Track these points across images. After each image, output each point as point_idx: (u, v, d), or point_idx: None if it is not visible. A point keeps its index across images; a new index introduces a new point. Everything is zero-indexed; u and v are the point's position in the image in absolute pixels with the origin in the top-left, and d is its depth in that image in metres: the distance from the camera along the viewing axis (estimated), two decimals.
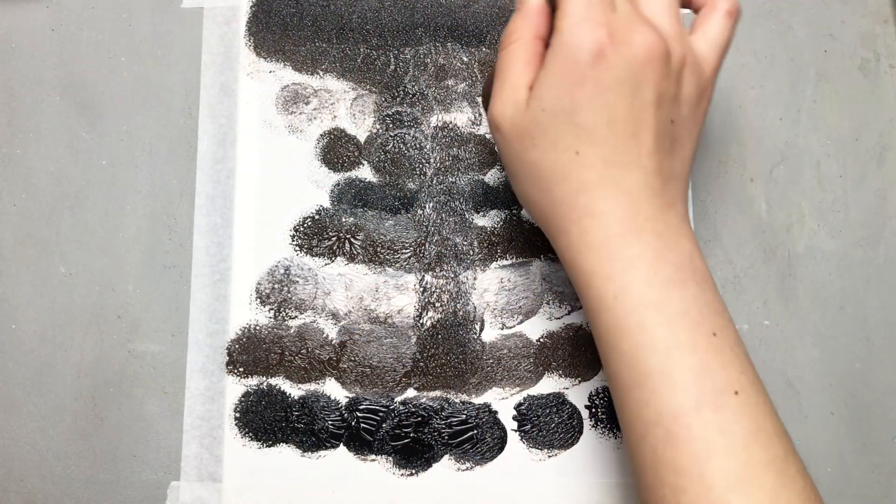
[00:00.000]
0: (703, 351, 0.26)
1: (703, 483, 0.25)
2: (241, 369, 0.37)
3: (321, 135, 0.39)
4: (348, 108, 0.40)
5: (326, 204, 0.39)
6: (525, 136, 0.28)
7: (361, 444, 0.37)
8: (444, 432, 0.37)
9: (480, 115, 0.39)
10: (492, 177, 0.39)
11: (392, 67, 0.40)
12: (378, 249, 0.38)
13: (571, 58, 0.26)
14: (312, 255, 0.38)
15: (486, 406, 0.37)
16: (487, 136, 0.39)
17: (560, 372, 0.38)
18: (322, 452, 0.37)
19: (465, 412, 0.37)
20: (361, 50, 0.40)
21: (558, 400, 0.37)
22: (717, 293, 0.28)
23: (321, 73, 0.40)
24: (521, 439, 0.37)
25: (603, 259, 0.27)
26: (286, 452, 0.37)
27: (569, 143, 0.27)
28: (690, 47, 0.28)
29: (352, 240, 0.38)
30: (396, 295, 0.38)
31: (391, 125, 0.39)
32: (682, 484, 0.25)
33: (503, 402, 0.37)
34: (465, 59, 0.40)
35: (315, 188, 0.39)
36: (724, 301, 0.28)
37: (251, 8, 0.40)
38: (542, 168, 0.28)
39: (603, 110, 0.27)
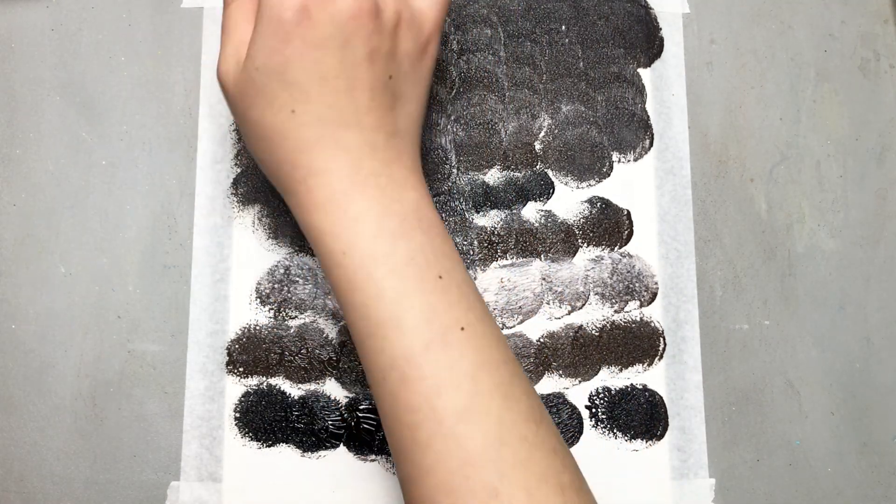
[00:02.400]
0: (429, 293, 0.27)
1: (436, 417, 0.26)
2: (241, 369, 0.37)
3: None
4: None
5: None
6: (245, 95, 0.28)
7: (361, 444, 0.37)
8: None
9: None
10: (492, 177, 0.39)
11: None
12: None
13: (276, 16, 0.26)
14: (312, 255, 0.38)
15: None
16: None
17: (560, 372, 0.38)
18: (322, 452, 0.37)
19: None
20: None
21: (558, 400, 0.37)
22: (447, 238, 0.29)
23: None
24: None
25: (330, 217, 0.28)
26: (286, 452, 0.37)
27: (284, 102, 0.27)
28: (407, 4, 0.29)
29: None
30: None
31: None
32: (416, 421, 0.26)
33: None
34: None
35: None
36: (454, 246, 0.29)
37: None
38: (263, 127, 0.28)
39: (313, 67, 0.27)
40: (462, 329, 0.27)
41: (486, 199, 0.39)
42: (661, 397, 0.37)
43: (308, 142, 0.28)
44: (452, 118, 0.39)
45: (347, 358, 0.37)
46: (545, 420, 0.28)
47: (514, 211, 0.39)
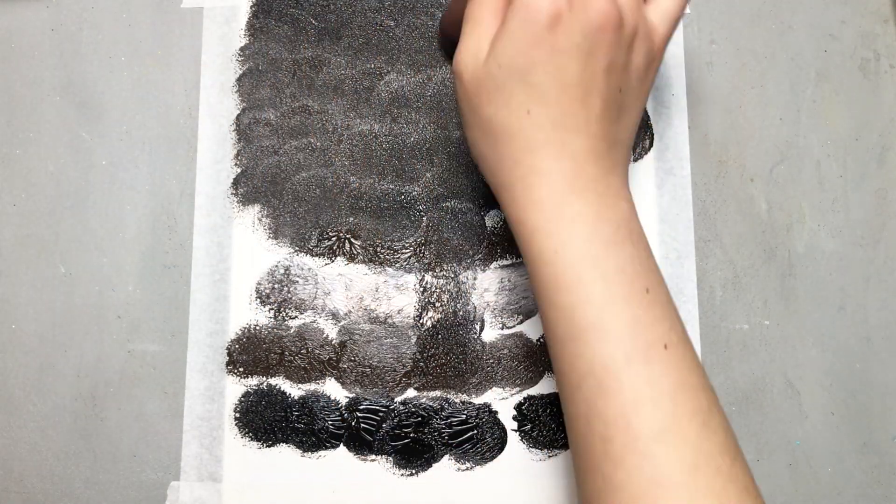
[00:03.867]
0: (636, 306, 0.27)
1: (630, 432, 0.26)
2: (241, 369, 0.37)
3: None
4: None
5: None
6: (481, 90, 0.28)
7: (361, 444, 0.37)
8: (444, 432, 0.37)
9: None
10: None
11: (392, 74, 0.40)
12: (378, 249, 0.38)
13: (530, 19, 0.27)
14: (312, 255, 0.38)
15: (486, 406, 0.37)
16: None
17: None
18: (322, 452, 0.37)
19: (465, 412, 0.37)
20: (361, 52, 0.40)
21: (558, 400, 0.37)
22: (651, 254, 0.29)
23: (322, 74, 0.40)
24: (521, 439, 0.37)
25: (546, 215, 0.28)
26: (286, 452, 0.37)
27: (521, 102, 0.28)
28: (643, 17, 0.29)
29: (352, 240, 0.38)
30: (396, 295, 0.38)
31: (392, 125, 0.39)
32: (610, 433, 0.26)
33: (503, 402, 0.37)
34: None
35: None
36: (656, 262, 0.29)
37: (251, 8, 0.40)
38: (494, 124, 0.28)
39: (556, 73, 0.27)
40: (665, 347, 0.27)
41: (487, 199, 0.39)
42: None
43: (537, 142, 0.28)
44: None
45: (347, 358, 0.37)
46: (740, 457, 0.27)
47: None
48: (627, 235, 0.28)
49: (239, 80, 0.40)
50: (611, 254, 0.27)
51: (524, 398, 0.37)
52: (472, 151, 0.31)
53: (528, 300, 0.38)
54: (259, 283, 0.38)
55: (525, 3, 0.27)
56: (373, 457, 0.37)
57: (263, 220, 0.38)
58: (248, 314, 0.38)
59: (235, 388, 0.37)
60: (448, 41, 0.39)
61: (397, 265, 0.38)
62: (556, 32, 0.27)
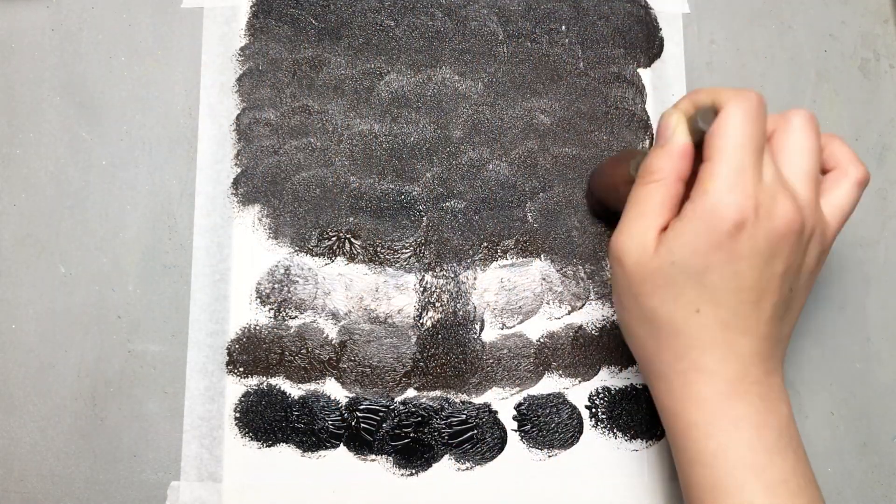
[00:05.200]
0: None
1: None
2: (241, 369, 0.37)
3: None
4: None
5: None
6: (647, 281, 0.28)
7: (361, 444, 0.37)
8: (444, 432, 0.37)
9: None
10: (492, 175, 0.39)
11: (392, 74, 0.40)
12: (378, 249, 0.38)
13: (713, 223, 0.26)
14: (312, 255, 0.38)
15: (486, 406, 0.37)
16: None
17: (560, 372, 0.38)
18: (322, 452, 0.37)
19: (465, 412, 0.37)
20: (361, 52, 0.40)
21: (558, 400, 0.37)
22: (808, 463, 0.28)
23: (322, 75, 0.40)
24: (521, 439, 0.37)
25: (706, 415, 0.27)
26: (286, 452, 0.37)
27: (691, 300, 0.27)
28: (821, 216, 0.29)
29: (352, 240, 0.38)
30: (396, 295, 0.38)
31: (392, 125, 0.39)
32: None
33: (503, 402, 0.37)
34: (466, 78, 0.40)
35: None
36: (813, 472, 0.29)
37: (251, 8, 0.40)
38: (658, 315, 0.28)
39: (733, 277, 0.27)
40: None
41: (485, 199, 0.39)
42: None
43: (703, 341, 0.27)
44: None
45: (347, 358, 0.37)
46: None
47: (515, 210, 0.39)
48: (789, 442, 0.28)
49: (239, 80, 0.40)
50: (775, 462, 0.27)
51: (524, 398, 0.37)
52: (626, 333, 0.30)
53: (528, 300, 0.38)
54: (259, 283, 0.38)
55: (711, 206, 0.26)
56: (373, 457, 0.37)
57: (263, 220, 0.38)
58: (248, 314, 0.38)
59: (235, 388, 0.37)
60: (595, 197, 0.38)
61: (397, 265, 0.38)
62: (739, 240, 0.26)
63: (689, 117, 0.29)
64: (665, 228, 0.28)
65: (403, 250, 0.38)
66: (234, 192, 0.39)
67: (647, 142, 0.40)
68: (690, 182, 0.28)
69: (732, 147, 0.26)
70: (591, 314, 0.38)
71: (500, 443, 0.37)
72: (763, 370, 0.28)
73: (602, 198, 0.36)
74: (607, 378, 0.38)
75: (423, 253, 0.38)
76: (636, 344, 0.30)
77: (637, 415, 0.37)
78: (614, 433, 0.37)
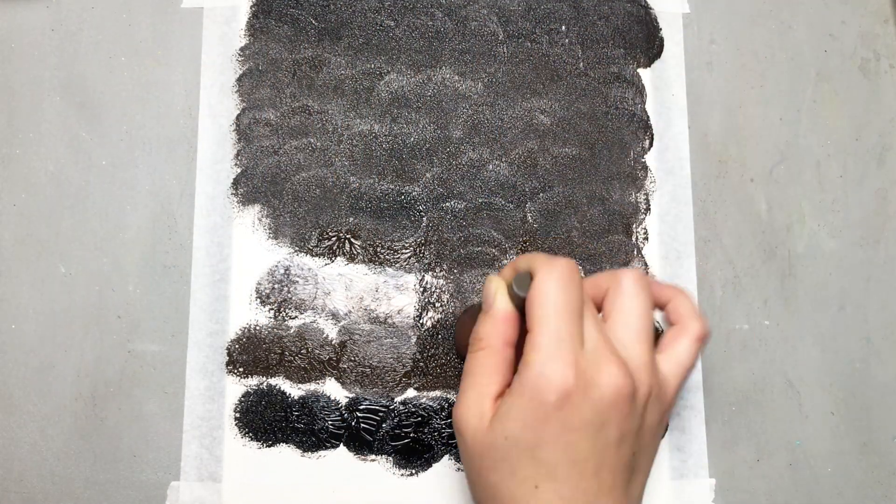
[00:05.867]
0: None
1: None
2: (241, 369, 0.37)
3: None
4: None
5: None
6: (485, 455, 0.27)
7: (361, 444, 0.37)
8: (444, 432, 0.37)
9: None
10: (493, 174, 0.39)
11: (393, 74, 0.40)
12: (378, 250, 0.38)
13: (538, 396, 0.26)
14: (312, 255, 0.38)
15: None
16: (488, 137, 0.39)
17: None
18: (322, 452, 0.37)
19: None
20: (361, 52, 0.40)
21: None
22: None
23: (322, 75, 0.40)
24: None
25: None
26: (286, 452, 0.37)
27: (528, 476, 0.26)
28: (657, 376, 0.28)
29: (352, 240, 0.38)
30: (396, 295, 0.38)
31: (392, 125, 0.39)
32: None
33: None
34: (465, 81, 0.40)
35: None
36: None
37: (251, 8, 0.40)
38: (500, 491, 0.27)
39: (566, 449, 0.26)
40: None
41: (487, 199, 0.39)
42: None
43: None
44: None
45: (347, 358, 0.37)
46: None
47: (515, 211, 0.39)
48: None
49: (239, 80, 0.40)
50: None
51: None
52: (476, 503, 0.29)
53: None
54: (259, 283, 0.38)
55: (533, 378, 0.26)
56: (373, 457, 0.37)
57: (263, 220, 0.38)
58: (248, 314, 0.38)
59: (235, 388, 0.37)
60: (459, 346, 0.37)
61: (397, 265, 0.38)
62: (566, 410, 0.26)
63: (509, 283, 0.29)
64: (501, 395, 0.28)
65: (403, 250, 0.38)
66: (234, 192, 0.39)
67: (647, 142, 0.40)
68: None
69: (548, 316, 0.26)
70: None
71: None
72: None
73: (462, 350, 0.36)
74: None
75: (423, 253, 0.38)
76: None
77: None
78: None
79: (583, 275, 0.38)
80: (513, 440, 0.26)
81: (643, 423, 0.28)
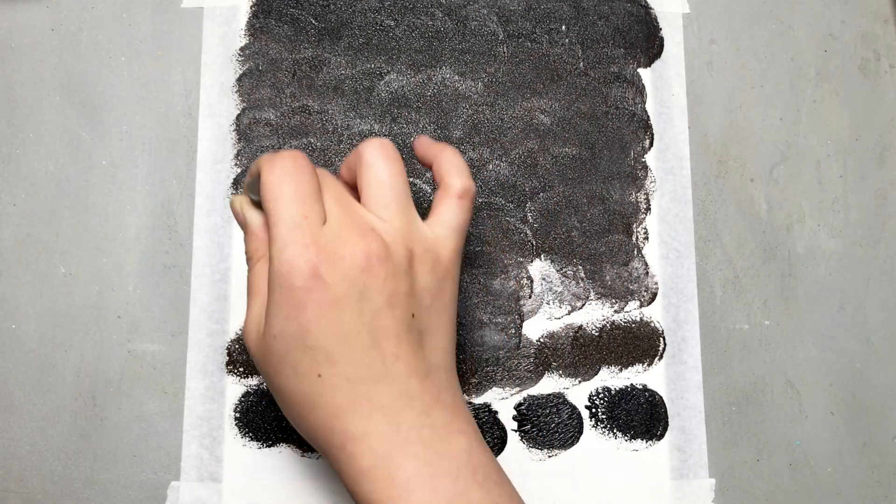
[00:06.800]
0: None
1: None
2: (241, 369, 0.37)
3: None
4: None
5: None
6: (268, 362, 0.27)
7: None
8: None
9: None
10: (493, 173, 0.39)
11: (393, 74, 0.40)
12: None
13: (287, 284, 0.25)
14: None
15: (486, 406, 0.37)
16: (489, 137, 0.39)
17: (560, 372, 0.38)
18: None
19: None
20: (361, 52, 0.40)
21: (558, 400, 0.37)
22: (503, 483, 0.28)
23: (321, 75, 0.40)
24: (521, 439, 0.37)
25: (377, 486, 0.26)
26: (286, 452, 0.37)
27: (308, 367, 0.26)
28: (420, 236, 0.28)
29: None
30: None
31: (392, 125, 0.39)
32: None
33: (503, 402, 0.37)
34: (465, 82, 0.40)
35: None
36: (511, 490, 0.28)
37: (251, 8, 0.40)
38: (291, 394, 0.27)
39: (333, 328, 0.26)
40: None
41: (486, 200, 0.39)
42: (661, 397, 0.37)
43: (340, 406, 0.26)
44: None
45: None
46: None
47: (515, 211, 0.39)
48: (472, 478, 0.26)
49: (239, 80, 0.40)
50: None
51: (524, 398, 0.37)
52: (291, 423, 0.29)
53: (529, 300, 0.38)
54: None
55: (277, 269, 0.26)
56: None
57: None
58: None
59: (235, 388, 0.37)
60: None
61: None
62: (318, 291, 0.25)
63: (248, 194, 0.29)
64: None
65: None
66: (234, 192, 0.39)
67: (647, 142, 0.40)
68: None
69: (278, 206, 0.26)
70: (591, 314, 0.38)
71: (500, 443, 0.37)
72: (418, 411, 0.26)
73: None
74: (607, 378, 0.38)
75: None
76: (300, 430, 0.28)
77: (637, 415, 0.37)
78: (614, 433, 0.37)
79: (583, 274, 0.38)
80: (281, 337, 0.26)
81: (414, 284, 0.27)
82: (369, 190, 0.28)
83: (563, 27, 0.41)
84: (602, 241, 0.39)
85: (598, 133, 0.40)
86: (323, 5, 0.40)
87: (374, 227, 0.27)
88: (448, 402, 0.28)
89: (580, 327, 0.38)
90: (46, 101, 0.40)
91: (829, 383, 0.39)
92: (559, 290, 0.38)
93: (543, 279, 0.38)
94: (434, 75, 0.40)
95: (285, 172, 0.27)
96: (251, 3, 0.40)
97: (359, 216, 0.27)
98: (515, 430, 0.37)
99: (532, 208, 0.39)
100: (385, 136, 0.39)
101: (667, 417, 0.37)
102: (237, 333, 0.37)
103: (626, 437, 0.37)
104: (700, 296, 0.39)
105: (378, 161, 0.28)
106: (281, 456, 0.37)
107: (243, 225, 0.29)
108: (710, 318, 0.39)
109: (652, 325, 0.38)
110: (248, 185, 0.28)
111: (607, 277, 0.38)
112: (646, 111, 0.40)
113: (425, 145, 0.31)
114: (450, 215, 0.29)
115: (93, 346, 0.37)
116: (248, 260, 0.29)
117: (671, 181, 0.39)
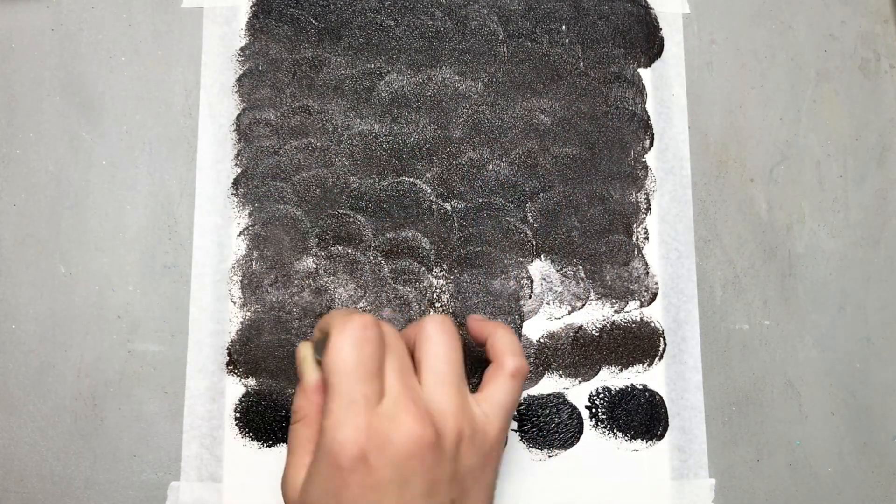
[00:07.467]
0: None
1: None
2: (241, 369, 0.37)
3: None
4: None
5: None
6: None
7: None
8: None
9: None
10: (492, 174, 0.39)
11: (393, 74, 0.40)
12: (378, 249, 0.38)
13: (333, 462, 0.26)
14: (312, 255, 0.38)
15: None
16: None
17: (560, 372, 0.38)
18: None
19: None
20: (361, 52, 0.40)
21: (558, 400, 0.37)
22: None
23: (322, 75, 0.40)
24: (522, 439, 0.37)
25: None
26: (286, 452, 0.37)
27: None
28: (471, 415, 0.28)
29: (352, 240, 0.38)
30: (396, 295, 0.38)
31: (392, 125, 0.39)
32: None
33: None
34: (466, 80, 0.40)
35: None
36: None
37: (251, 8, 0.40)
38: None
39: None
40: None
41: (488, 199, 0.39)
42: (662, 397, 0.37)
43: None
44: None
45: None
46: None
47: (515, 210, 0.39)
48: None
49: (239, 80, 0.40)
50: None
51: (524, 398, 0.37)
52: None
53: (529, 300, 0.38)
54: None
55: (327, 444, 0.26)
56: None
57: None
58: (249, 314, 0.38)
59: (235, 388, 0.37)
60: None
61: (397, 265, 0.38)
62: (363, 472, 0.25)
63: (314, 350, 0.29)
64: None
65: (404, 250, 0.38)
66: (234, 192, 0.39)
67: (647, 142, 0.40)
68: None
69: (338, 380, 0.26)
70: (591, 314, 0.38)
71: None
72: None
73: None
74: (607, 378, 0.38)
75: (423, 253, 0.38)
76: None
77: (637, 415, 0.37)
78: (614, 433, 0.37)
79: (583, 274, 0.38)
80: None
81: (458, 468, 0.27)
82: (426, 364, 0.28)
83: (563, 27, 0.41)
84: (602, 241, 0.39)
85: (598, 133, 0.40)
86: (323, 5, 0.40)
87: (430, 409, 0.27)
88: None
89: (580, 327, 0.38)
90: (46, 101, 0.40)
91: (829, 383, 0.39)
92: (559, 290, 0.38)
93: (543, 279, 0.38)
94: (434, 75, 0.40)
95: (353, 345, 0.27)
96: (251, 3, 0.40)
97: (414, 394, 0.27)
98: (516, 430, 0.37)
99: (532, 208, 0.39)
100: (385, 136, 0.39)
101: (667, 417, 0.37)
102: (237, 333, 0.37)
103: (626, 437, 0.37)
104: (700, 296, 0.39)
105: (438, 336, 0.28)
106: (281, 456, 0.36)
107: (299, 377, 0.30)
108: (710, 318, 0.39)
109: (652, 325, 0.38)
110: (316, 342, 0.28)
111: (607, 277, 0.38)
112: (646, 111, 0.40)
113: (479, 323, 0.32)
114: (501, 393, 0.29)
115: (93, 346, 0.37)
116: (293, 414, 0.29)
117: (671, 181, 0.39)
